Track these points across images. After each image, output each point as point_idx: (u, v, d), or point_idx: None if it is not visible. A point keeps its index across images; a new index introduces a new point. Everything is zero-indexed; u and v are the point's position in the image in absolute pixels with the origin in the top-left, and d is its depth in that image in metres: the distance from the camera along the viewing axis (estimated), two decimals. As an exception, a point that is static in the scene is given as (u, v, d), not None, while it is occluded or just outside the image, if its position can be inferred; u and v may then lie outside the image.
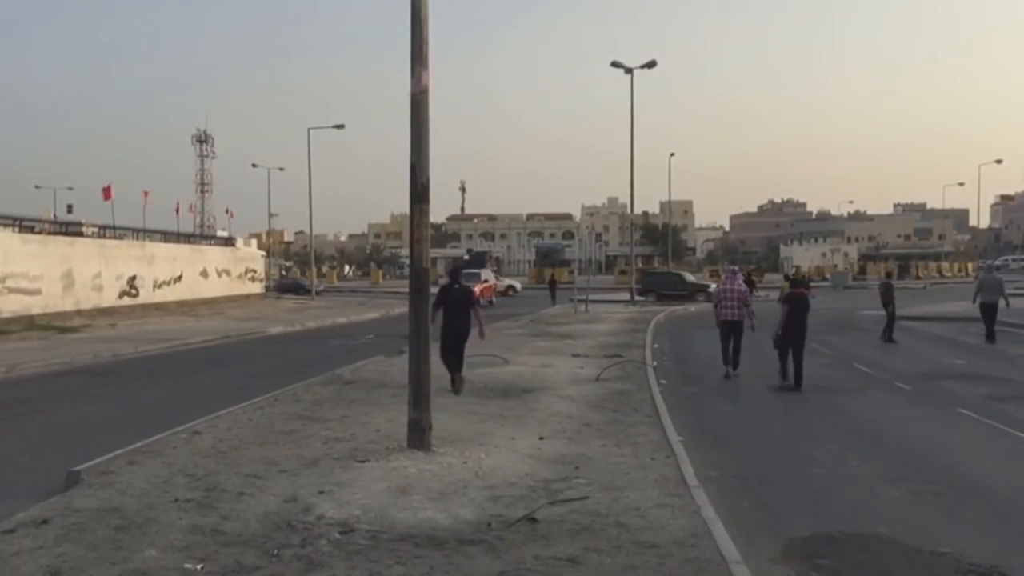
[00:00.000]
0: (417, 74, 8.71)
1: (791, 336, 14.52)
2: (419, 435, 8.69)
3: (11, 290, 27.85)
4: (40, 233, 32.53)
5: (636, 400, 12.41)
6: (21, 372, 17.57)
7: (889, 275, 26.70)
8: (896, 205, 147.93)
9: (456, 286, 11.97)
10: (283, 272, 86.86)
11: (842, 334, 25.63)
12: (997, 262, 66.61)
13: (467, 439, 9.36)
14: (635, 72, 41.24)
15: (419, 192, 8.72)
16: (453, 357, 11.71)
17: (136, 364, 19.35)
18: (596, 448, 9.07)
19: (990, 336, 21.50)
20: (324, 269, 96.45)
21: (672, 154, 69.76)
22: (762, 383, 15.02)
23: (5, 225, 30.41)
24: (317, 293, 56.67)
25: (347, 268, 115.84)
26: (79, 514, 6.57)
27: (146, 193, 44.37)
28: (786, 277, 41.79)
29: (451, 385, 11.74)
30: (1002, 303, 21.65)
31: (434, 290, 10.66)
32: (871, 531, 6.73)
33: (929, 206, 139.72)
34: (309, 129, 51.44)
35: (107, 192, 41.82)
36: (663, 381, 14.72)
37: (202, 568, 5.42)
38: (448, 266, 18.18)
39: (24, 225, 31.77)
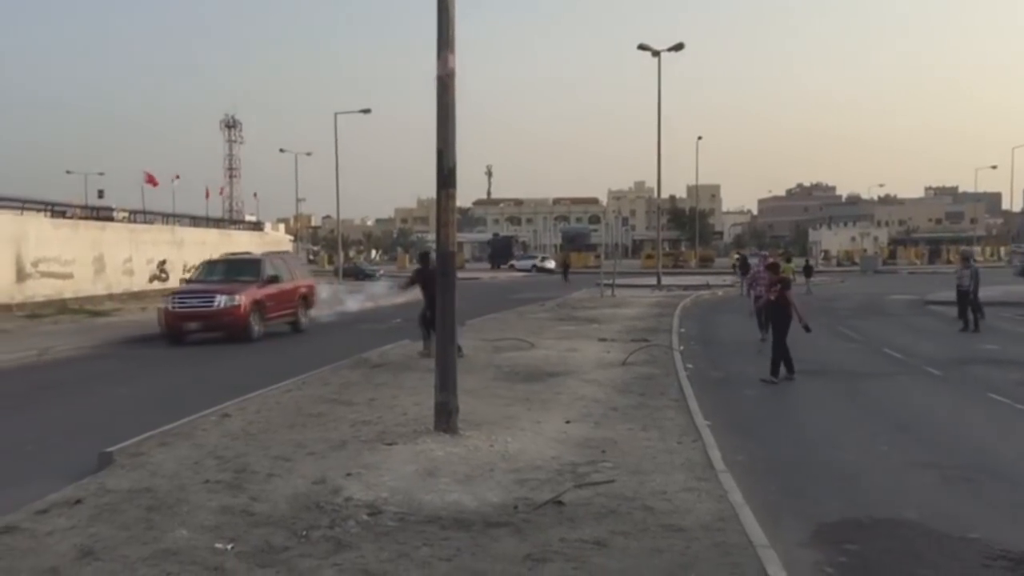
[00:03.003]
0: (443, 57, 8.70)
1: (772, 320, 13.93)
2: (446, 418, 8.73)
3: (43, 274, 28.20)
4: (72, 218, 32.87)
5: (663, 384, 12.38)
6: (54, 355, 17.81)
7: (967, 258, 23.45)
8: (927, 188, 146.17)
9: (431, 267, 14.24)
10: (330, 256, 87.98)
11: (871, 319, 25.42)
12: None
13: (493, 422, 9.39)
14: (662, 55, 40.93)
15: (446, 176, 8.73)
16: (430, 323, 13.79)
17: (165, 348, 19.54)
18: (622, 432, 9.06)
19: (967, 328, 21.31)
20: (351, 253, 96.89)
21: (700, 138, 69.55)
22: (790, 367, 14.91)
23: (37, 210, 30.73)
24: (376, 278, 58.05)
25: (374, 252, 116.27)
26: (111, 494, 6.67)
27: (177, 177, 44.61)
28: (805, 264, 41.37)
29: (424, 348, 14.47)
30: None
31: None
32: (900, 516, 6.69)
33: (961, 189, 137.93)
34: (336, 114, 51.62)
35: (151, 179, 42.20)
36: (690, 365, 14.67)
37: (232, 548, 5.49)
38: (421, 255, 18.58)
39: (56, 210, 32.09)
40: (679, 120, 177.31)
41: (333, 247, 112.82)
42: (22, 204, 29.62)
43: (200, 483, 6.99)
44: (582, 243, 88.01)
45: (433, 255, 14.02)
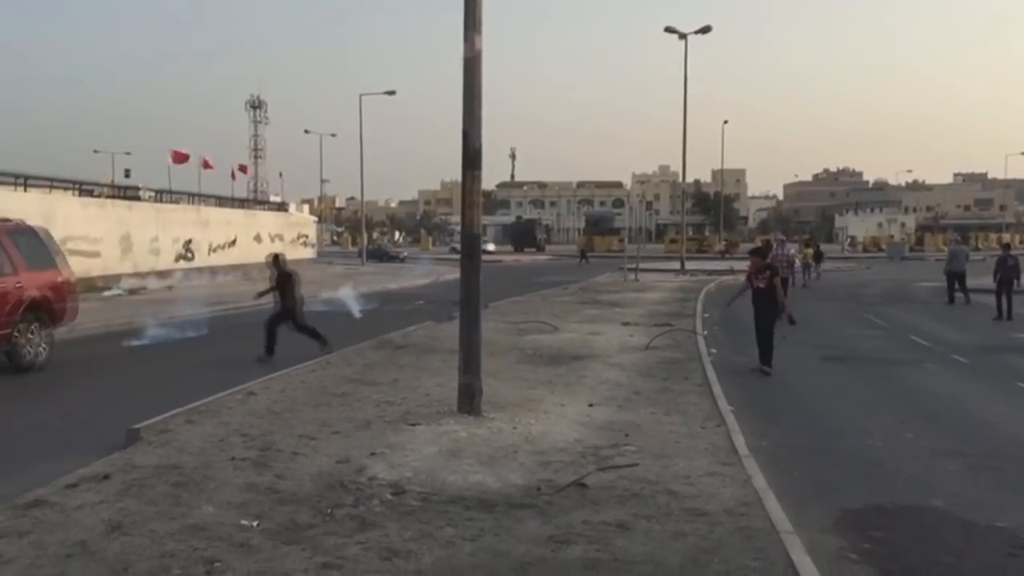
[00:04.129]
0: (470, 39, 8.67)
1: (756, 311, 12.94)
2: (469, 400, 8.76)
3: (71, 252, 28.26)
4: (99, 197, 33.15)
5: (686, 369, 12.35)
6: (82, 332, 17.99)
7: (1008, 246, 24.18)
8: (956, 175, 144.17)
9: (287, 270, 14.13)
10: (354, 238, 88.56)
11: (898, 305, 25.22)
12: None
13: (517, 405, 9.40)
14: (689, 38, 40.61)
15: (471, 158, 8.72)
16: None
17: (188, 326, 19.67)
18: (646, 416, 9.05)
19: (953, 302, 24.58)
20: (374, 235, 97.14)
21: (725, 122, 68.99)
22: (815, 353, 14.84)
23: (65, 189, 31.01)
24: (401, 260, 58.44)
25: (397, 234, 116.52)
26: (139, 470, 6.74)
27: (207, 163, 44.84)
28: (812, 245, 40.62)
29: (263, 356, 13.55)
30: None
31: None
32: (926, 504, 6.65)
33: (991, 176, 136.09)
34: (361, 95, 51.79)
35: (178, 155, 42.41)
36: (713, 350, 14.62)
37: (258, 525, 5.54)
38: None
39: (84, 189, 32.37)
40: (705, 104, 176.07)
41: (356, 229, 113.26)
42: (51, 183, 29.91)
43: (226, 460, 7.05)
44: (606, 227, 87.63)
45: (284, 256, 14.76)
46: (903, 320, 20.83)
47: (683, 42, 40.69)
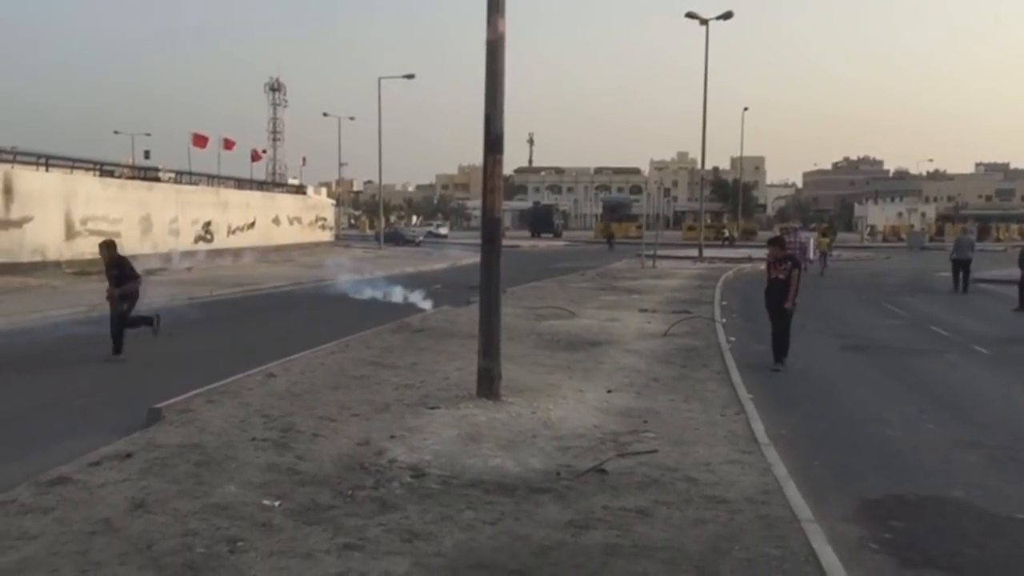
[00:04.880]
0: (493, 22, 8.63)
1: (770, 303, 12.34)
2: (488, 384, 8.77)
3: (92, 232, 28.58)
4: (119, 178, 33.32)
5: (705, 356, 12.32)
6: (103, 311, 18.07)
7: None
8: (978, 164, 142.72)
9: (124, 261, 13.08)
10: (371, 221, 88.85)
11: (918, 296, 25.03)
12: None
13: (535, 390, 9.41)
14: (710, 23, 40.30)
15: (493, 142, 8.70)
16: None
17: (209, 308, 19.78)
18: (664, 402, 9.05)
19: (958, 288, 25.60)
20: (392, 219, 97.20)
21: (746, 109, 68.52)
22: (835, 343, 14.77)
23: (87, 170, 31.19)
24: (417, 243, 58.61)
25: (415, 218, 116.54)
26: (161, 449, 6.80)
27: (229, 143, 44.99)
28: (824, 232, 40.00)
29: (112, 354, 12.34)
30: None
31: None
32: (946, 495, 6.62)
33: (1013, 166, 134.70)
34: (380, 79, 51.63)
35: (199, 139, 42.59)
36: (732, 338, 14.57)
37: (279, 505, 5.57)
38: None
39: (104, 170, 32.54)
40: (725, 91, 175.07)
41: (374, 212, 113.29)
42: (72, 163, 30.08)
43: (247, 441, 7.10)
44: (623, 213, 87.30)
45: (115, 241, 13.57)
46: (923, 310, 20.69)
47: (704, 28, 40.39)
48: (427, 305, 19.23)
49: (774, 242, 13.09)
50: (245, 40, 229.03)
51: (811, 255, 33.68)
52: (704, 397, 9.38)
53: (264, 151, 55.99)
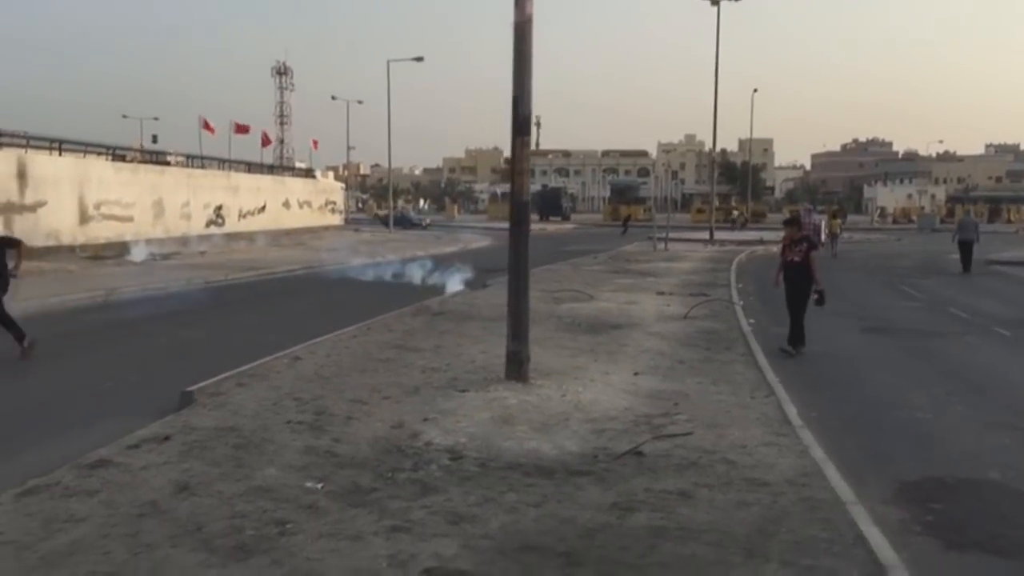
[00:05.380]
0: (520, 3, 8.59)
1: (788, 286, 12.00)
2: (517, 367, 8.77)
3: (105, 217, 28.70)
4: (131, 162, 33.33)
5: (727, 339, 12.31)
6: (120, 296, 18.18)
7: None
8: (988, 146, 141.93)
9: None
10: (379, 204, 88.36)
11: (932, 278, 24.96)
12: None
13: (562, 372, 9.42)
14: (721, 4, 40.09)
15: (520, 124, 8.68)
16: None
17: (226, 291, 19.85)
18: (692, 385, 9.04)
19: (966, 269, 25.85)
20: (400, 203, 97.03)
21: (755, 90, 68.22)
22: (855, 324, 14.73)
23: (99, 154, 31.18)
24: (424, 227, 58.49)
25: (423, 202, 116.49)
26: (198, 432, 6.81)
27: (240, 128, 44.96)
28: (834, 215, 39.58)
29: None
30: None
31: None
32: (983, 477, 6.61)
33: (1023, 147, 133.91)
34: (389, 61, 51.45)
35: (208, 125, 42.58)
36: (751, 320, 14.54)
37: (322, 488, 5.59)
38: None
39: (116, 154, 32.53)
40: (733, 73, 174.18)
41: (381, 196, 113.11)
42: (85, 148, 30.08)
43: (283, 423, 7.11)
44: (631, 196, 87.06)
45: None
46: (939, 292, 20.64)
47: (716, 8, 40.16)
48: (443, 288, 19.25)
49: (791, 223, 12.76)
50: (251, 24, 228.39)
51: (822, 237, 33.59)
52: (732, 380, 9.37)
53: (281, 138, 55.90)
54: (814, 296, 11.62)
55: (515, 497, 5.49)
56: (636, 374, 9.55)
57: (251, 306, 17.48)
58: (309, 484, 5.64)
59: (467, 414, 7.53)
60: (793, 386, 9.30)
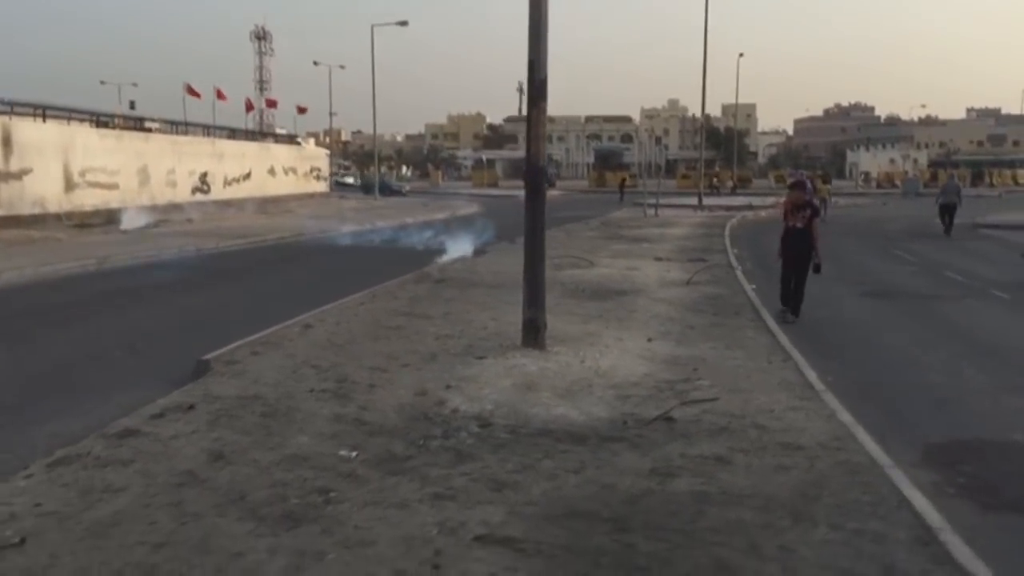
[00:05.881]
0: (537, -36, 8.43)
1: (788, 252, 11.61)
2: (534, 334, 8.73)
3: (90, 184, 28.29)
4: (115, 128, 32.84)
5: (733, 304, 12.31)
6: (113, 264, 17.97)
7: None
8: (969, 110, 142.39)
9: None
10: (337, 171, 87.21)
11: (923, 242, 25.04)
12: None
13: (576, 339, 9.39)
14: (711, -33, 39.76)
15: (537, 88, 8.58)
16: None
17: (219, 259, 19.68)
18: (707, 350, 9.03)
19: (948, 232, 26.60)
20: (383, 169, 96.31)
21: (741, 55, 68.19)
22: (854, 289, 14.77)
23: (82, 120, 30.71)
24: (401, 193, 57.95)
25: (405, 168, 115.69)
26: (221, 401, 6.75)
27: (220, 94, 44.35)
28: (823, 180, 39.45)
29: None
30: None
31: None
32: (1007, 439, 6.67)
33: (1004, 111, 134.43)
34: (373, 26, 50.80)
35: (192, 90, 42.07)
36: (752, 286, 14.54)
37: (357, 456, 5.55)
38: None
39: (100, 121, 32.05)
40: (716, 37, 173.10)
41: (362, 162, 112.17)
42: (69, 114, 29.61)
43: (306, 391, 7.06)
44: (615, 162, 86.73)
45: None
46: (932, 256, 20.73)
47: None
48: (440, 255, 19.13)
49: (796, 186, 12.28)
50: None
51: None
52: (745, 345, 9.37)
53: (262, 105, 55.29)
54: (813, 264, 11.42)
55: (552, 464, 5.47)
56: (650, 340, 9.54)
57: (248, 274, 17.34)
58: (343, 452, 5.60)
59: (489, 381, 7.50)
60: (804, 351, 9.29)
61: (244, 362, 8.10)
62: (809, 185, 26.37)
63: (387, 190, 61.09)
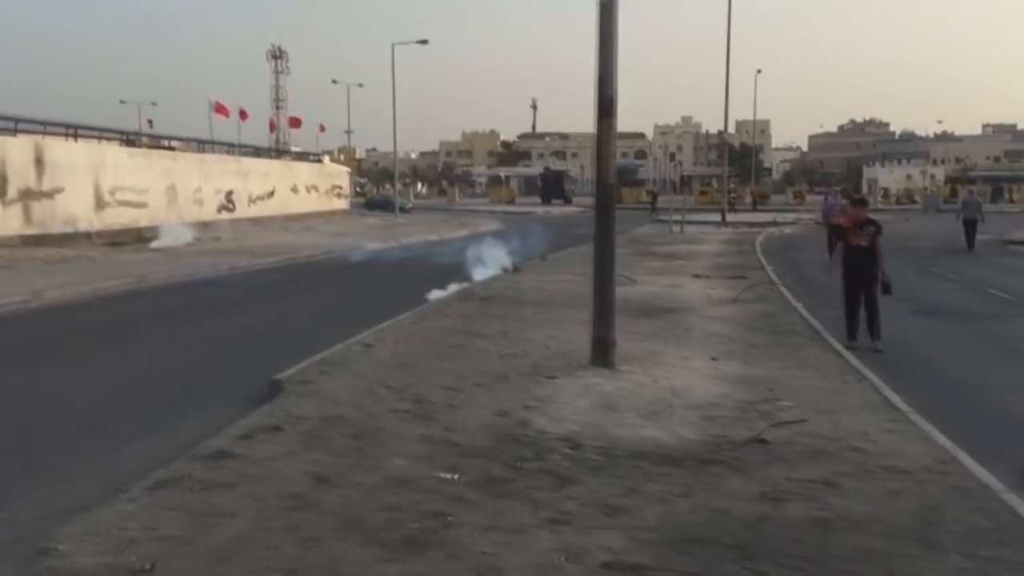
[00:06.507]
0: (607, -17, 8.42)
1: (853, 274, 11.11)
2: (603, 353, 8.67)
3: (120, 203, 28.45)
4: (143, 148, 33.01)
5: (787, 322, 12.23)
6: (153, 282, 18.01)
7: None
8: (985, 125, 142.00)
9: None
10: (357, 189, 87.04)
11: (956, 258, 24.90)
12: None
13: (641, 358, 9.31)
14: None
15: (605, 105, 8.54)
16: None
17: (256, 277, 19.69)
18: (776, 370, 8.93)
19: (971, 246, 27.01)
20: (399, 187, 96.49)
21: (759, 71, 68.27)
22: (904, 307, 14.61)
23: (111, 139, 30.89)
24: (404, 210, 57.17)
25: (420, 186, 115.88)
26: (306, 422, 6.68)
27: (243, 113, 44.61)
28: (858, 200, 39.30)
29: None
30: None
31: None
32: (1104, 462, 6.53)
33: (1020, 127, 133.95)
34: (393, 44, 50.96)
35: (221, 108, 42.31)
36: (799, 304, 14.43)
37: (458, 479, 5.47)
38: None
39: (129, 139, 32.25)
40: (730, 53, 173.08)
41: (377, 180, 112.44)
42: (99, 133, 29.81)
43: (387, 412, 6.99)
44: (629, 178, 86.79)
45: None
46: (970, 273, 20.58)
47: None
48: (474, 273, 19.05)
49: (859, 203, 11.90)
50: (248, 7, 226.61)
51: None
52: (813, 364, 9.27)
53: (297, 120, 55.52)
54: (881, 283, 10.97)
55: (658, 487, 5.38)
56: (714, 359, 9.46)
57: (287, 291, 17.33)
58: (444, 475, 5.52)
59: (567, 401, 7.43)
60: (872, 371, 9.19)
61: (316, 382, 8.03)
62: (840, 200, 26.38)
63: (389, 207, 59.66)
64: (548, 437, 6.44)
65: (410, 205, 65.37)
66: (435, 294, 15.40)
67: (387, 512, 4.85)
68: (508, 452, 6.08)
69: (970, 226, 27.39)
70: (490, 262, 21.07)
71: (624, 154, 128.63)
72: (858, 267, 11.01)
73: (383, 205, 60.71)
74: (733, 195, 71.00)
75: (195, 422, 7.24)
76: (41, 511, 5.36)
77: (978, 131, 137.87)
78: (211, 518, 4.77)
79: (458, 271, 19.36)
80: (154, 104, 79.00)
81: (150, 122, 69.73)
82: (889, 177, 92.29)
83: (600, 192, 8.69)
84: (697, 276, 17.99)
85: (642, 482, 5.48)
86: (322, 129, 62.61)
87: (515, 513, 4.91)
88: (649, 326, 11.60)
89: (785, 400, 7.60)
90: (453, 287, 16.36)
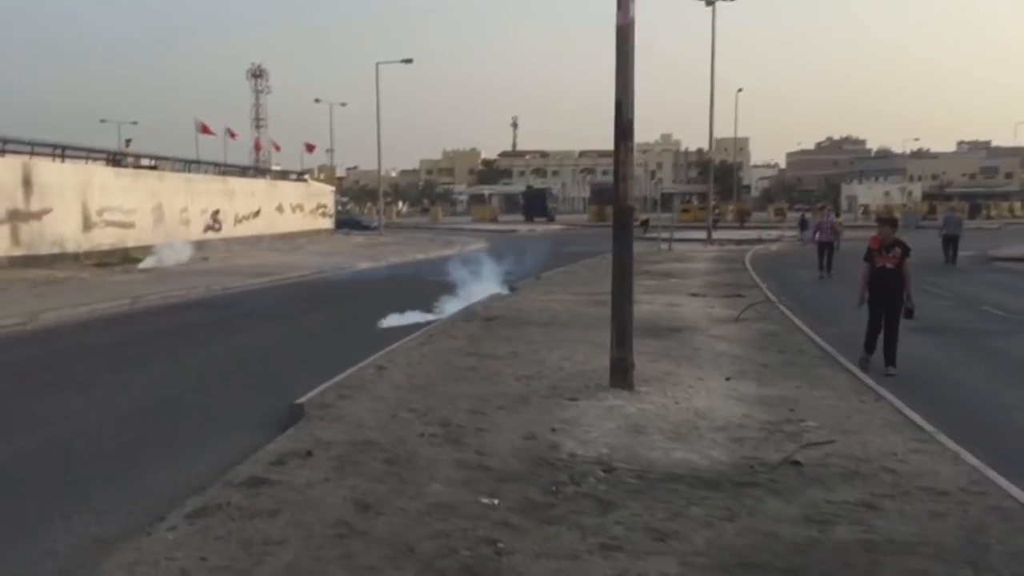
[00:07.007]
0: (624, 6, 8.51)
1: (879, 297, 10.76)
2: (623, 374, 8.67)
3: (108, 223, 28.28)
4: (129, 167, 32.81)
5: (793, 341, 12.28)
6: (146, 303, 17.88)
7: None
8: (960, 143, 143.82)
9: None
10: (339, 208, 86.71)
11: (946, 275, 25.08)
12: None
13: (657, 379, 9.31)
14: (716, 5, 40.27)
15: (624, 128, 8.59)
16: None
17: (250, 297, 19.55)
18: (792, 390, 8.96)
19: (950, 262, 27.56)
20: (358, 206, 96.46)
21: (740, 90, 68.81)
22: (903, 325, 14.70)
23: (97, 159, 30.69)
24: (372, 228, 56.89)
25: (400, 204, 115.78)
26: (335, 447, 6.63)
27: (231, 132, 44.44)
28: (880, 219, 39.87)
29: None
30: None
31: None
32: None
33: (994, 144, 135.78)
34: (378, 64, 51.09)
35: (206, 128, 42.17)
36: (799, 321, 14.52)
37: (499, 504, 5.45)
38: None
39: (115, 159, 32.05)
40: (707, 71, 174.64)
41: (358, 198, 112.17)
42: (87, 153, 29.61)
43: (415, 436, 6.95)
44: (611, 197, 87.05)
45: None
46: (961, 290, 20.78)
47: (711, 8, 40.32)
48: (470, 293, 19.03)
49: (887, 222, 11.29)
50: (229, 26, 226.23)
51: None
52: (828, 384, 9.31)
53: (276, 145, 55.31)
54: (905, 308, 10.64)
55: (702, 511, 5.38)
56: (728, 379, 9.48)
57: (284, 312, 17.22)
58: (485, 500, 5.50)
59: (593, 424, 7.42)
60: (887, 390, 9.25)
61: (336, 406, 7.98)
62: (832, 219, 26.53)
63: (356, 226, 59.25)
64: (580, 460, 6.43)
65: (375, 223, 64.90)
66: (435, 315, 15.44)
67: (437, 539, 4.82)
68: (543, 476, 6.06)
69: (952, 242, 28.00)
70: (485, 281, 21.07)
71: (604, 172, 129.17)
72: (884, 289, 10.66)
73: (351, 224, 60.10)
74: (717, 212, 71.56)
75: (218, 448, 7.20)
76: (78, 540, 5.32)
77: (953, 148, 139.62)
78: (259, 547, 4.72)
79: (453, 290, 19.37)
80: (134, 123, 78.18)
81: (127, 141, 69.54)
82: (868, 194, 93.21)
83: (618, 214, 8.71)
84: (694, 295, 18.04)
85: (684, 506, 5.48)
86: (309, 149, 61.87)
87: (565, 539, 4.89)
88: (657, 346, 11.61)
89: (809, 420, 7.62)
90: (452, 307, 16.39)
